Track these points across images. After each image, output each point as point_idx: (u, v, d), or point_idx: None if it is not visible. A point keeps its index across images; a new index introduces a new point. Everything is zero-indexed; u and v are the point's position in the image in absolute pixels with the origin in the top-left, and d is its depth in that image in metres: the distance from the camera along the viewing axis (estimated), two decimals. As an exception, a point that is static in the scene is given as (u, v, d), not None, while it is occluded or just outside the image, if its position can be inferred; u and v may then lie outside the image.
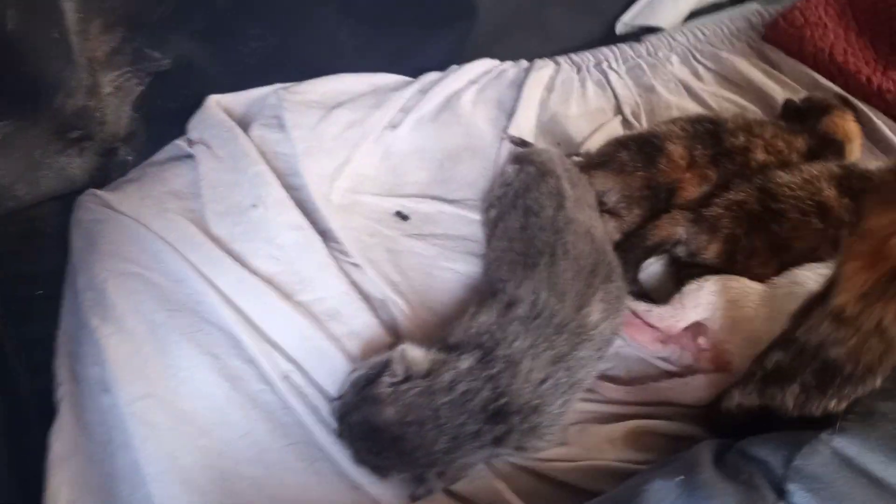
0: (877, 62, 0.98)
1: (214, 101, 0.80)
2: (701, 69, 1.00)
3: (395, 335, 0.64)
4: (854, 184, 0.73)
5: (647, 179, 0.74)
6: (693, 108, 0.93)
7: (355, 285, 0.67)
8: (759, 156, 0.77)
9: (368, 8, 0.85)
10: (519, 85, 0.91)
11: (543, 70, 0.94)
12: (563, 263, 0.64)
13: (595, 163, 0.76)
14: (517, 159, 0.76)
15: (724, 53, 1.02)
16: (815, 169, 0.75)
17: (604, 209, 0.75)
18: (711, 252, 0.72)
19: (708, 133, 0.77)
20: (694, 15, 1.12)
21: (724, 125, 0.77)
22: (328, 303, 0.65)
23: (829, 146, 0.82)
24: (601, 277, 0.65)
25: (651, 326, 0.69)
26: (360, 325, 0.64)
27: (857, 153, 0.85)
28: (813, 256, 0.71)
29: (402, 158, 0.81)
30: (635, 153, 0.75)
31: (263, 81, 0.86)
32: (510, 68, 0.95)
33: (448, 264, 0.72)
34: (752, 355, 0.63)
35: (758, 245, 0.71)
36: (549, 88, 0.93)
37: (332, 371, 0.60)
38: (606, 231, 0.73)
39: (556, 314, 0.61)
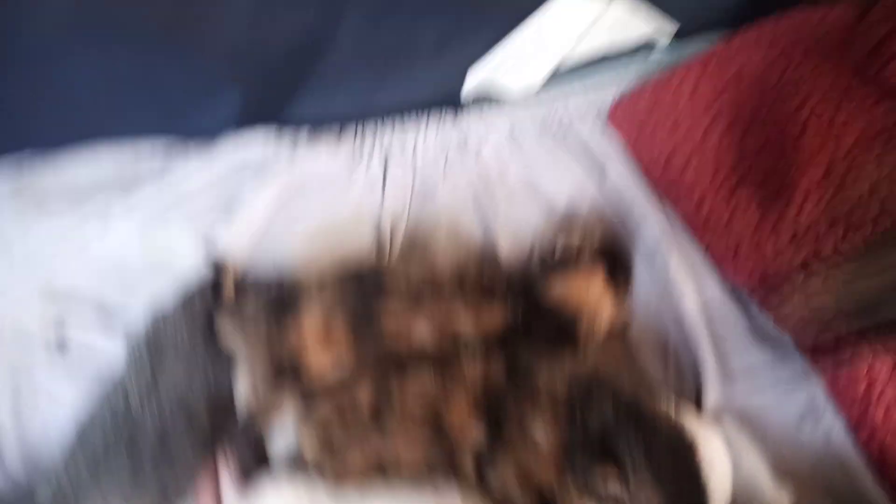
0: (729, 175, 0.74)
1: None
2: (513, 166, 0.83)
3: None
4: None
5: (270, 348, 0.65)
6: (465, 227, 0.78)
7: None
8: (417, 337, 0.64)
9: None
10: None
11: (306, 161, 0.83)
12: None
13: (234, 323, 0.68)
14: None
15: (549, 142, 0.84)
16: (470, 370, 0.61)
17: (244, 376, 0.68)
18: (308, 454, 0.62)
19: (360, 294, 0.65)
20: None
21: (384, 286, 0.65)
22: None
23: (549, 322, 0.66)
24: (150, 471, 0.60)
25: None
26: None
27: (602, 325, 0.67)
28: (420, 478, 0.60)
29: (103, 274, 0.78)
30: (266, 311, 0.66)
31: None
32: (284, 150, 0.86)
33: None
34: None
35: (356, 457, 0.61)
36: (303, 184, 0.82)
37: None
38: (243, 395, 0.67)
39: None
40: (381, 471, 0.60)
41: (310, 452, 0.62)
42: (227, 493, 0.64)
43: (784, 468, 0.60)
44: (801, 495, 0.57)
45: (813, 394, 0.62)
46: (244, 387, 0.67)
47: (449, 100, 0.89)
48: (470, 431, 0.58)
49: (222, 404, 0.66)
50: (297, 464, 0.65)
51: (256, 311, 0.66)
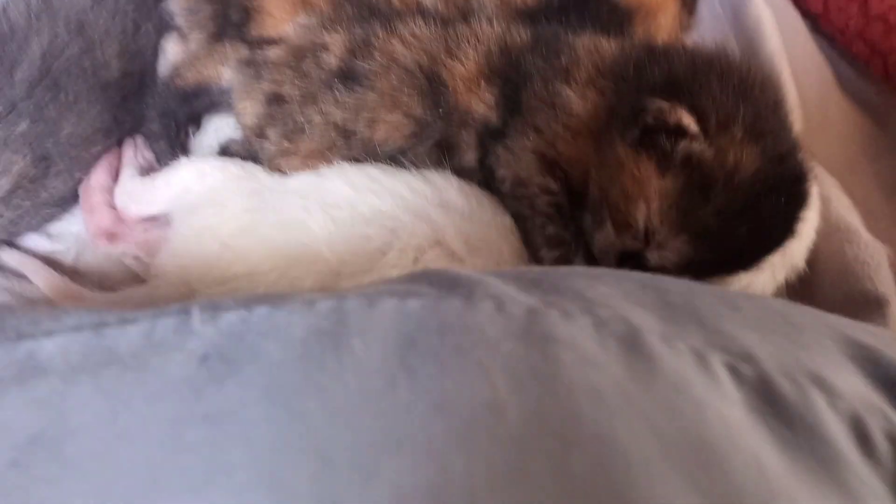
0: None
1: None
2: None
3: None
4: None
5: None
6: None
7: None
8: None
9: None
10: None
11: None
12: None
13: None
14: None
15: None
16: (483, 28, 0.44)
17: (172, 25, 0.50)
18: (247, 115, 0.45)
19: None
20: None
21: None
22: None
23: (597, 7, 0.49)
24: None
25: (109, 208, 0.45)
26: None
27: (666, 31, 0.51)
28: (398, 150, 0.42)
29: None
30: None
31: None
32: None
33: None
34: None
35: (315, 119, 0.43)
36: None
37: None
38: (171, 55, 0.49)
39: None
40: (345, 136, 0.43)
41: (251, 115, 0.44)
42: (128, 169, 0.46)
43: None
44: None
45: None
46: (172, 45, 0.49)
47: None
48: (477, 96, 0.41)
49: (139, 61, 0.48)
50: (229, 145, 0.48)
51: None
